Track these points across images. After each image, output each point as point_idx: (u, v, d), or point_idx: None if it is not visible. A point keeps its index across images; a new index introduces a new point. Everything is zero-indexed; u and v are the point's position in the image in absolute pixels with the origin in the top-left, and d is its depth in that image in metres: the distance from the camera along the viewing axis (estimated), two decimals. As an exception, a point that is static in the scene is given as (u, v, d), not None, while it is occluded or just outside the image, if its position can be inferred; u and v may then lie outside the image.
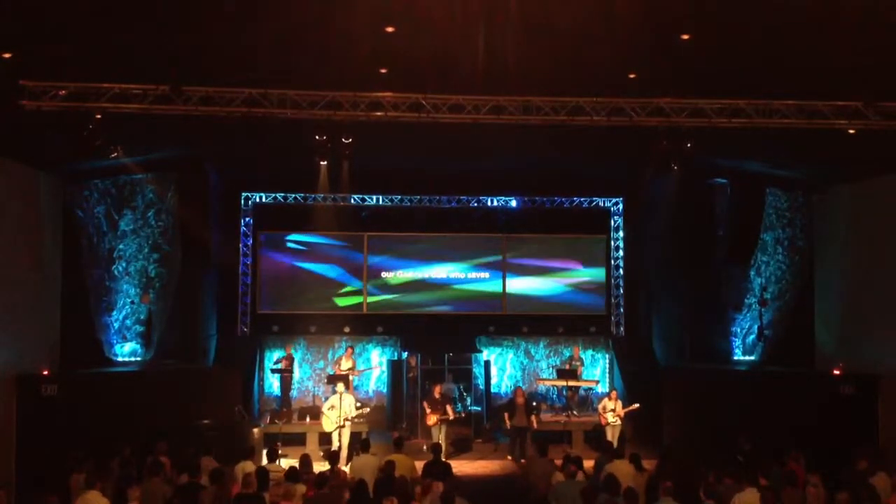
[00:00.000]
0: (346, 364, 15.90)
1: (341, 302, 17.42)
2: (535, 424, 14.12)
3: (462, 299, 17.66)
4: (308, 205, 17.03)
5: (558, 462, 10.03)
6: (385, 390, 16.99)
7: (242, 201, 17.09)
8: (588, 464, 10.41)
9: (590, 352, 17.85)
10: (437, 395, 14.10)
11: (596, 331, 17.76)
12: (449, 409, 13.98)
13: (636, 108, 10.42)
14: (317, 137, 11.46)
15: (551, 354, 17.86)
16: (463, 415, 15.14)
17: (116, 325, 15.33)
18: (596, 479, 9.45)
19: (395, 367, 16.46)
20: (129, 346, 15.42)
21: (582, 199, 17.82)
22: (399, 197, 17.36)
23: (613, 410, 13.87)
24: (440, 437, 13.79)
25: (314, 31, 8.34)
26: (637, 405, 14.18)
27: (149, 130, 11.47)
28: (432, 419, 13.93)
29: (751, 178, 15.09)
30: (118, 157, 11.89)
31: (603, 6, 7.65)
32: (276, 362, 16.24)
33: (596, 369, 17.90)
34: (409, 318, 17.39)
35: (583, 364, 17.05)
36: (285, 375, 15.95)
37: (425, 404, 14.26)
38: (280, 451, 12.32)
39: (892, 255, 13.61)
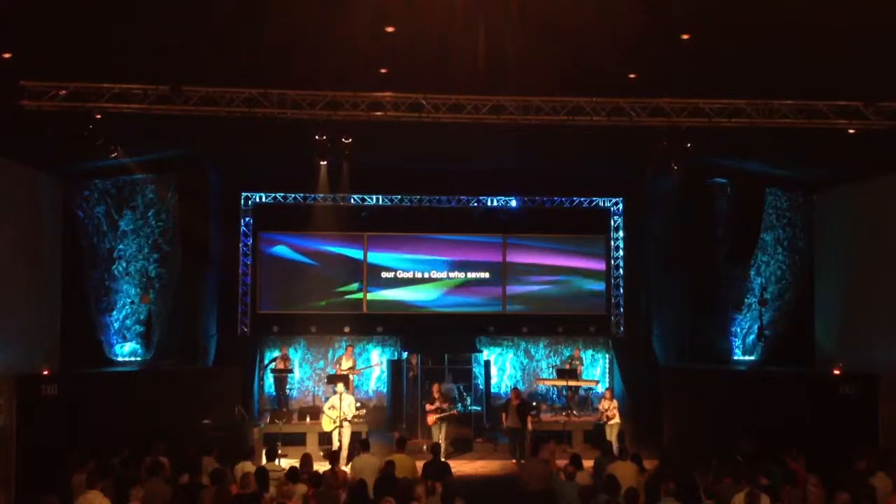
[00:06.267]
0: (346, 363, 15.90)
1: (341, 302, 17.42)
2: (530, 426, 14.02)
3: (462, 299, 17.66)
4: (308, 205, 17.02)
5: (561, 462, 10.01)
6: (385, 390, 16.99)
7: (242, 201, 17.08)
8: (588, 463, 10.41)
9: (590, 352, 17.85)
10: (435, 395, 14.08)
11: (596, 331, 17.75)
12: (446, 405, 13.98)
13: (636, 108, 10.43)
14: (317, 137, 11.46)
15: (551, 354, 17.86)
16: (456, 413, 15.01)
17: (116, 325, 15.32)
18: (597, 480, 9.46)
19: (395, 367, 16.46)
20: (129, 346, 15.42)
21: (582, 199, 17.81)
22: (399, 197, 17.35)
23: (606, 411, 13.93)
24: (440, 436, 13.79)
25: (314, 31, 8.35)
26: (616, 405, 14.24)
27: (149, 130, 11.48)
28: (432, 418, 13.92)
29: (751, 178, 15.09)
30: (118, 157, 11.89)
31: (603, 6, 7.65)
32: (269, 362, 16.19)
33: (596, 369, 17.90)
34: (409, 318, 17.39)
35: (583, 364, 17.06)
36: (280, 376, 15.91)
37: (426, 404, 14.25)
38: (280, 451, 12.33)
39: (892, 255, 13.61)
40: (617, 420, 14.00)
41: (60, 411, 12.05)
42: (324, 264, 17.44)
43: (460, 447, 14.83)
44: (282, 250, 17.38)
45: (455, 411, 14.66)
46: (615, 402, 14.14)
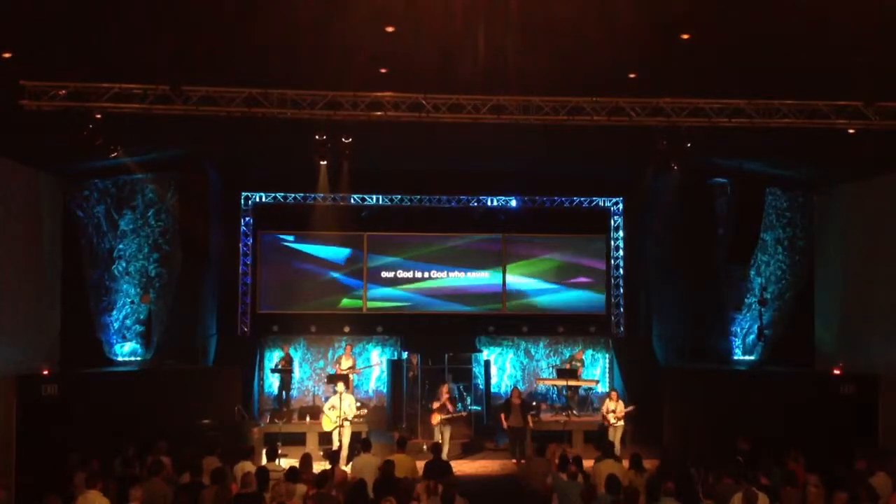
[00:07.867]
0: (346, 363, 15.90)
1: (341, 302, 17.43)
2: (531, 424, 14.10)
3: (462, 299, 17.66)
4: (308, 205, 17.01)
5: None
6: (385, 390, 16.99)
7: (242, 201, 17.09)
8: (588, 463, 10.41)
9: (590, 352, 17.83)
10: (444, 396, 14.06)
11: (596, 331, 17.74)
12: (450, 406, 13.99)
13: (636, 108, 10.42)
14: (317, 137, 11.46)
15: (551, 354, 17.86)
16: (464, 414, 15.08)
17: (116, 325, 15.32)
18: (589, 481, 9.46)
19: (395, 367, 16.46)
20: (129, 346, 15.42)
21: (582, 199, 17.81)
22: (399, 197, 17.35)
23: (614, 412, 13.87)
24: (443, 437, 13.78)
25: (314, 31, 8.34)
26: (632, 407, 14.11)
27: (149, 130, 11.47)
28: (436, 418, 13.92)
29: (751, 178, 15.08)
30: (118, 157, 11.89)
31: (603, 6, 7.65)
32: (276, 364, 16.23)
33: (596, 369, 17.89)
34: (409, 318, 17.38)
35: (583, 365, 17.03)
36: (284, 376, 15.93)
37: (433, 404, 14.23)
38: (280, 451, 12.34)
39: (892, 255, 13.61)
40: (619, 422, 13.93)
41: (60, 411, 12.05)
42: (324, 264, 17.42)
43: (461, 447, 14.81)
44: (282, 250, 17.38)
45: (462, 413, 14.68)
46: (622, 404, 14.05)
